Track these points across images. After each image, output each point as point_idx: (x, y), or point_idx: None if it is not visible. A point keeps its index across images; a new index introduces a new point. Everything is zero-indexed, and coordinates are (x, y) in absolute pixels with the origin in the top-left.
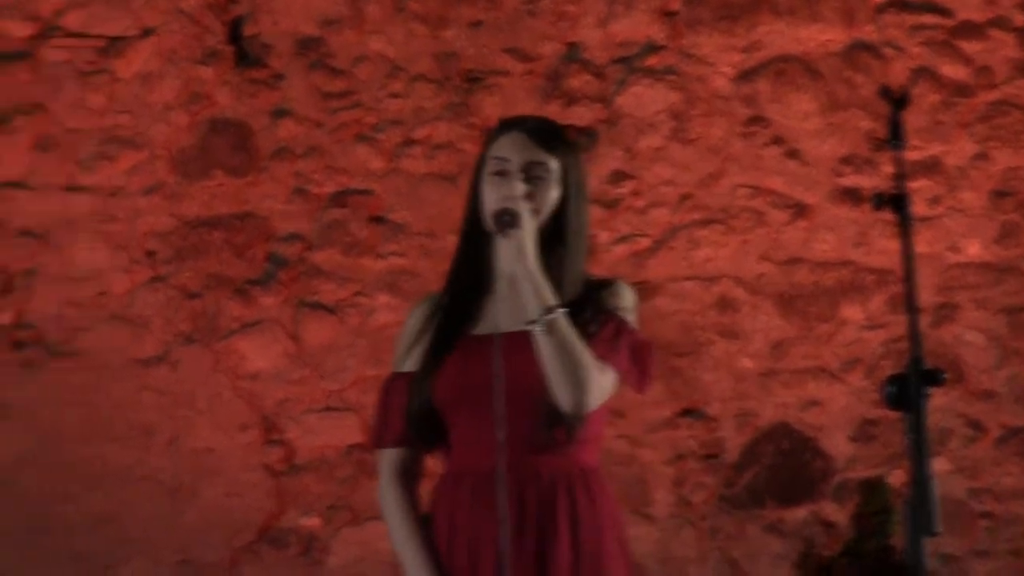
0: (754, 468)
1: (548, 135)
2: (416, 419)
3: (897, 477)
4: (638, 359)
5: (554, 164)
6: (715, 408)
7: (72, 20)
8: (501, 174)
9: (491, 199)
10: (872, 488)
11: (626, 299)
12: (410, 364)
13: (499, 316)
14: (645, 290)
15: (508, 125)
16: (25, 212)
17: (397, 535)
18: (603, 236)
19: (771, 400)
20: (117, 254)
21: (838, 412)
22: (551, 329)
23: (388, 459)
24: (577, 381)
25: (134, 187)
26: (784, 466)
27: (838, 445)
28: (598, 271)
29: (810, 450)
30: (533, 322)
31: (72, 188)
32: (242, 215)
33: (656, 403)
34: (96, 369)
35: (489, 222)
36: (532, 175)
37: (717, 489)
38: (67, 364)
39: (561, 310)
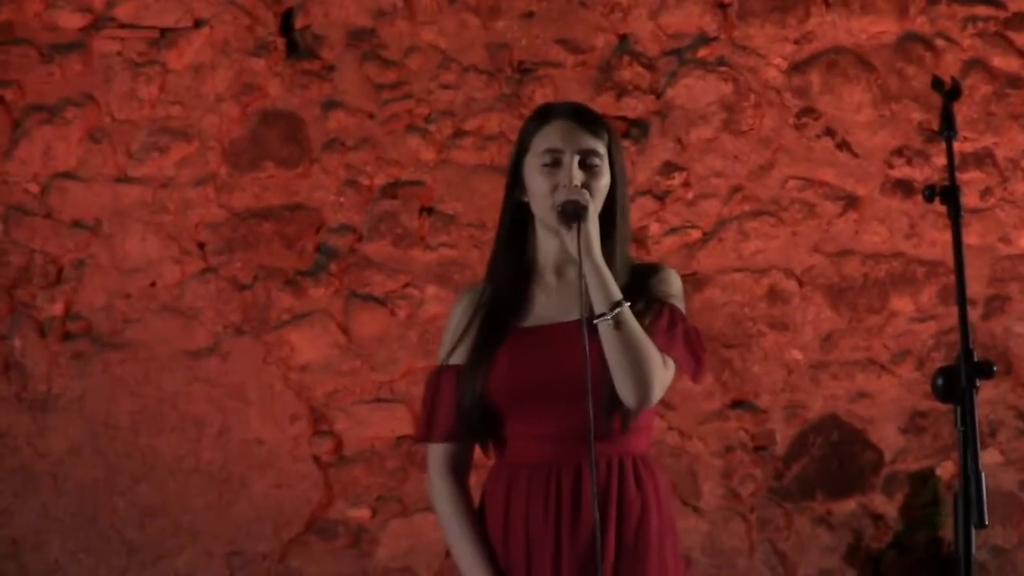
0: (803, 460)
1: (594, 121)
2: (467, 414)
3: (947, 469)
4: (693, 348)
5: (603, 150)
6: (764, 400)
7: (124, 11)
8: (555, 164)
9: (546, 190)
10: (922, 480)
11: (675, 285)
12: (457, 357)
13: (548, 308)
14: (695, 282)
15: (550, 112)
16: (76, 203)
17: (451, 531)
18: (654, 227)
19: (821, 392)
20: (168, 245)
21: (888, 404)
22: (619, 324)
23: (437, 454)
24: (643, 376)
25: (185, 178)
26: (833, 458)
27: (887, 437)
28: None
29: (859, 442)
30: (601, 316)
31: (123, 179)
32: (293, 206)
33: (706, 395)
34: (146, 361)
35: (545, 213)
36: (586, 163)
37: (766, 481)
38: (117, 355)
39: (627, 304)
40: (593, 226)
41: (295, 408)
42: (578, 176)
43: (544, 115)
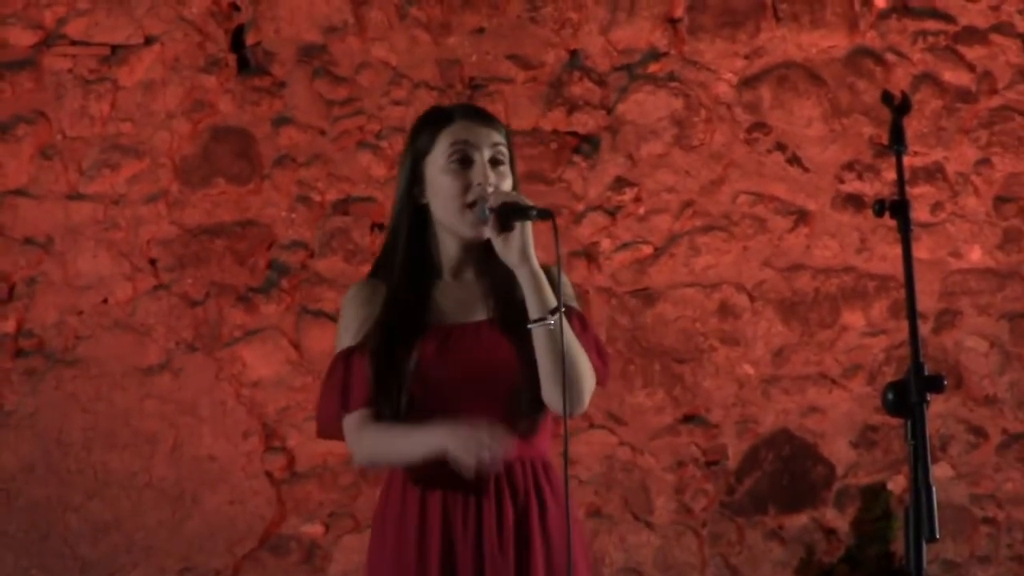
0: (755, 475)
1: (494, 120)
2: (396, 397)
3: (898, 483)
4: (602, 353)
5: (506, 148)
6: (716, 415)
7: (75, 28)
8: (464, 163)
9: (456, 190)
10: (873, 494)
11: (570, 287)
12: (367, 342)
13: (448, 309)
14: (646, 297)
15: (451, 113)
16: (28, 220)
17: (389, 437)
18: (605, 243)
19: (772, 406)
20: (119, 262)
21: (839, 418)
22: (555, 331)
23: (358, 416)
24: (580, 383)
25: (136, 195)
26: (785, 472)
27: (839, 451)
28: (601, 279)
29: (811, 456)
30: (539, 321)
31: (75, 196)
32: (244, 223)
33: (657, 410)
34: (99, 377)
35: (452, 214)
36: (495, 160)
37: (718, 496)
38: (70, 372)
39: (561, 310)
40: (529, 230)
41: (247, 424)
42: (491, 175)
43: (445, 116)
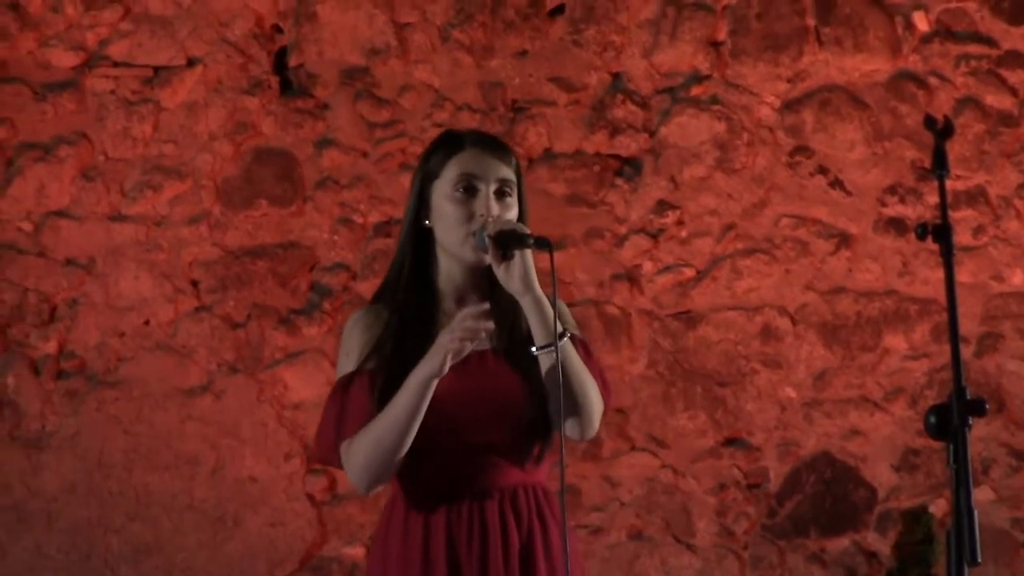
0: (797, 498)
1: (506, 150)
2: None
3: (940, 507)
4: (605, 380)
5: (514, 179)
6: (758, 438)
7: (118, 50)
8: (469, 192)
9: (459, 218)
10: (915, 518)
11: (570, 314)
12: (368, 364)
13: None
14: (688, 320)
15: (462, 140)
16: (70, 241)
17: (385, 414)
18: (647, 266)
19: (814, 430)
20: (161, 284)
21: (881, 442)
22: (565, 357)
23: (351, 440)
24: (591, 407)
25: (179, 217)
26: (827, 496)
27: (881, 475)
28: (643, 302)
29: (853, 480)
30: (545, 347)
31: (117, 217)
32: (286, 245)
33: (699, 433)
34: (140, 399)
35: (456, 241)
36: (501, 192)
37: (759, 519)
38: (111, 394)
39: (567, 336)
40: (530, 257)
41: (289, 446)
42: (495, 207)
43: (456, 142)
